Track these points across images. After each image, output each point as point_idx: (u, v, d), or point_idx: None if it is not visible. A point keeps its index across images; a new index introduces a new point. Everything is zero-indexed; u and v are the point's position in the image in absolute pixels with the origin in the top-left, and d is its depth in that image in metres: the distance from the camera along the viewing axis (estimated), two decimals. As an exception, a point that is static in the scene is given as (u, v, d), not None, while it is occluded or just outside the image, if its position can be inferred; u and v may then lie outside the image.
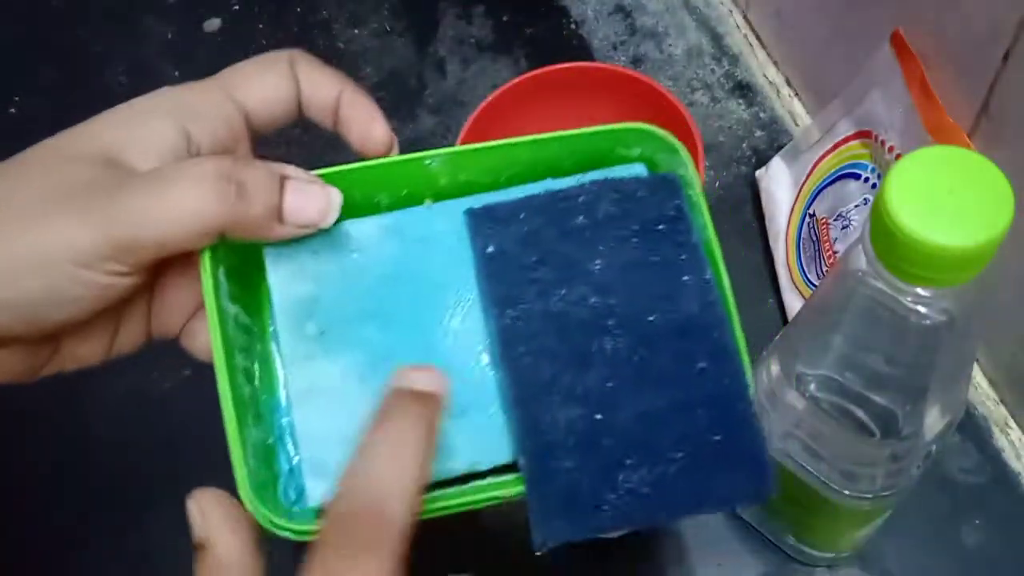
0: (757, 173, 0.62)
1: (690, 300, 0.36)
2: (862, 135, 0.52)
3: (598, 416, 0.34)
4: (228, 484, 0.60)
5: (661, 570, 0.53)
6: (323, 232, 0.35)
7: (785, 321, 0.58)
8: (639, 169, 0.39)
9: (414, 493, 0.30)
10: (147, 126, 0.34)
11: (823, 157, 0.55)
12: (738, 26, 0.69)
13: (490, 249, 0.36)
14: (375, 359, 0.35)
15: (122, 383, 0.59)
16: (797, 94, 0.65)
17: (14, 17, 0.74)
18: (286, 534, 0.33)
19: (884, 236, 0.30)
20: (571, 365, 0.34)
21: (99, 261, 0.32)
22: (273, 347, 0.37)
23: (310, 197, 0.34)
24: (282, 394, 0.37)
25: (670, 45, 0.68)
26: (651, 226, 0.37)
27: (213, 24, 0.72)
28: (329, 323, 0.36)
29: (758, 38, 0.68)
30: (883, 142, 0.50)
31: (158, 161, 0.34)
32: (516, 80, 0.60)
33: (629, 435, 0.34)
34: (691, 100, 0.66)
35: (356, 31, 0.71)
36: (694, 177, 0.38)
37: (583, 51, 0.69)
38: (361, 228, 0.37)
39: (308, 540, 0.32)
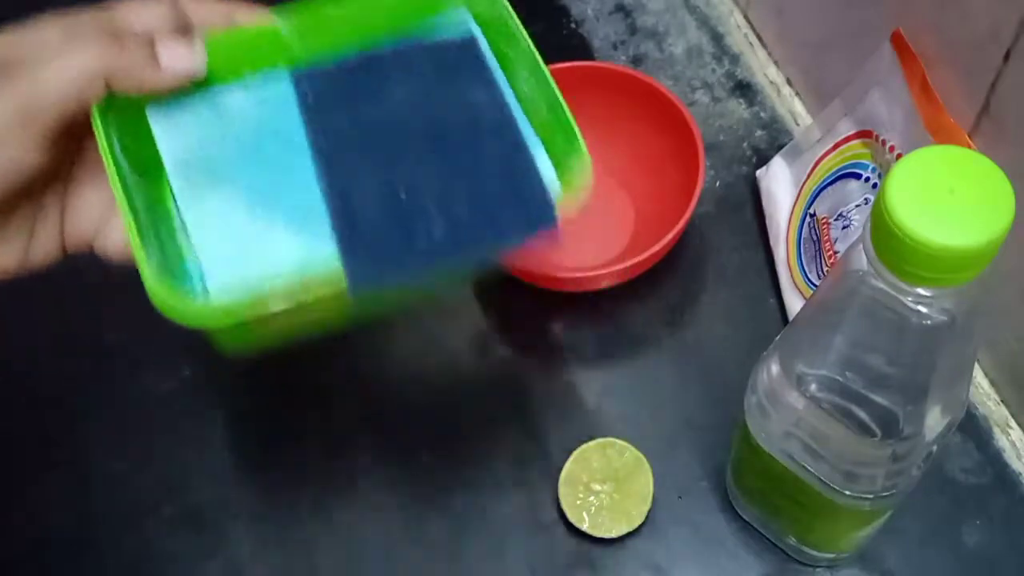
0: (758, 173, 0.62)
1: (484, 112, 0.42)
2: (863, 135, 0.52)
3: (402, 195, 0.39)
4: (227, 485, 0.60)
5: (661, 570, 0.53)
6: (195, 95, 0.41)
7: (785, 321, 0.58)
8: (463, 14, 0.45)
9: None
10: (35, 31, 0.38)
11: (824, 157, 0.55)
12: (738, 26, 0.69)
13: (311, 101, 0.42)
14: (253, 193, 0.41)
15: (122, 384, 0.59)
16: (798, 94, 0.65)
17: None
18: (185, 321, 0.36)
19: (885, 236, 0.30)
20: (378, 164, 0.40)
21: (5, 130, 0.35)
22: (168, 191, 0.41)
23: (181, 47, 0.39)
24: (180, 224, 0.41)
25: (670, 45, 0.68)
26: (450, 75, 0.43)
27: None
28: (211, 168, 0.41)
29: (759, 38, 0.68)
30: (884, 142, 0.50)
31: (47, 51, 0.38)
32: (516, 80, 0.60)
33: (427, 195, 0.39)
34: (692, 100, 0.66)
35: (356, 31, 0.71)
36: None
37: (583, 51, 0.69)
38: (227, 92, 0.42)
39: (210, 328, 0.37)
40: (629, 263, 0.54)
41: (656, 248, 0.54)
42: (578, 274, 0.57)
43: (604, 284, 0.57)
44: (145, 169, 0.41)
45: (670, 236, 0.54)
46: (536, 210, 0.39)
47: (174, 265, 0.39)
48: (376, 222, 0.39)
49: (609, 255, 0.60)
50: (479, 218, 0.39)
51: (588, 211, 0.62)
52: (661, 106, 0.59)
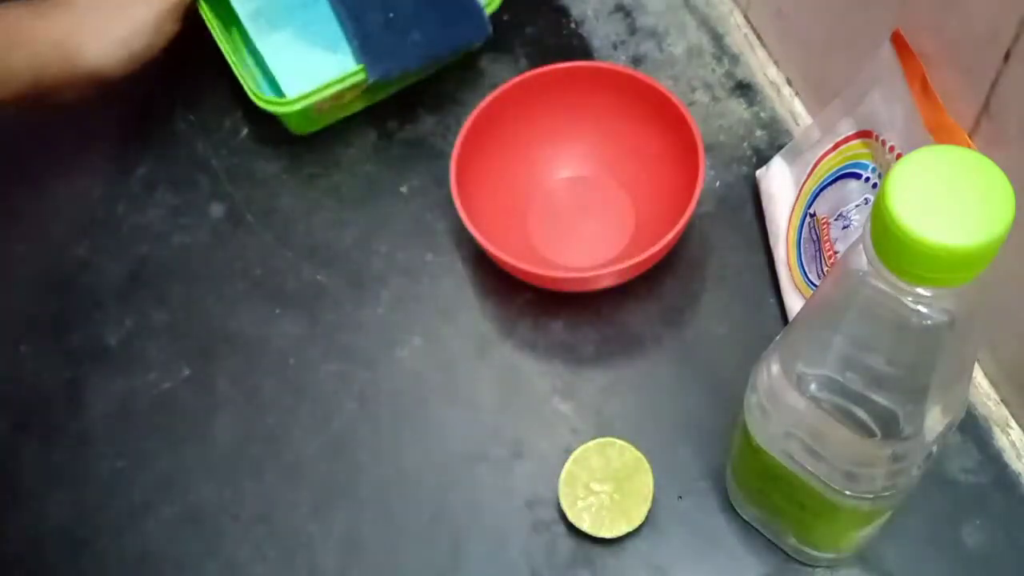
0: (757, 173, 0.62)
1: None
2: (863, 135, 0.52)
3: (391, 14, 0.62)
4: (227, 485, 0.60)
5: (661, 570, 0.53)
6: None
7: (785, 321, 0.58)
8: None
9: None
10: None
11: (824, 157, 0.55)
12: (738, 25, 0.69)
13: None
14: (305, 25, 0.64)
15: (122, 383, 0.59)
16: (798, 94, 0.65)
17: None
18: (278, 109, 0.61)
19: (885, 236, 0.30)
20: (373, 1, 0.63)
21: (168, 10, 0.60)
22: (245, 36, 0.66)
23: None
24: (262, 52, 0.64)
25: (670, 45, 0.68)
26: None
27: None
28: (272, 13, 0.64)
29: (759, 37, 0.68)
30: (884, 142, 0.50)
31: None
32: (516, 80, 0.60)
33: (409, 17, 0.62)
34: (692, 100, 0.66)
35: (356, 31, 0.71)
36: None
37: (583, 51, 0.69)
38: None
39: (290, 113, 0.62)
40: (629, 263, 0.54)
41: (656, 248, 0.54)
42: (578, 274, 0.57)
43: (604, 284, 0.57)
44: (225, 23, 0.65)
45: (670, 236, 0.54)
46: (476, 26, 0.64)
47: (261, 80, 0.66)
48: (378, 35, 0.61)
49: (609, 255, 0.60)
50: (442, 33, 0.63)
51: (588, 211, 0.62)
52: (661, 106, 0.59)
